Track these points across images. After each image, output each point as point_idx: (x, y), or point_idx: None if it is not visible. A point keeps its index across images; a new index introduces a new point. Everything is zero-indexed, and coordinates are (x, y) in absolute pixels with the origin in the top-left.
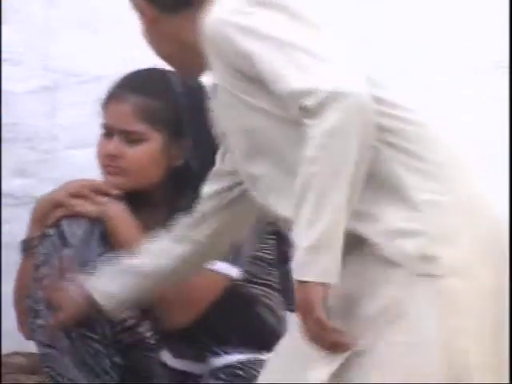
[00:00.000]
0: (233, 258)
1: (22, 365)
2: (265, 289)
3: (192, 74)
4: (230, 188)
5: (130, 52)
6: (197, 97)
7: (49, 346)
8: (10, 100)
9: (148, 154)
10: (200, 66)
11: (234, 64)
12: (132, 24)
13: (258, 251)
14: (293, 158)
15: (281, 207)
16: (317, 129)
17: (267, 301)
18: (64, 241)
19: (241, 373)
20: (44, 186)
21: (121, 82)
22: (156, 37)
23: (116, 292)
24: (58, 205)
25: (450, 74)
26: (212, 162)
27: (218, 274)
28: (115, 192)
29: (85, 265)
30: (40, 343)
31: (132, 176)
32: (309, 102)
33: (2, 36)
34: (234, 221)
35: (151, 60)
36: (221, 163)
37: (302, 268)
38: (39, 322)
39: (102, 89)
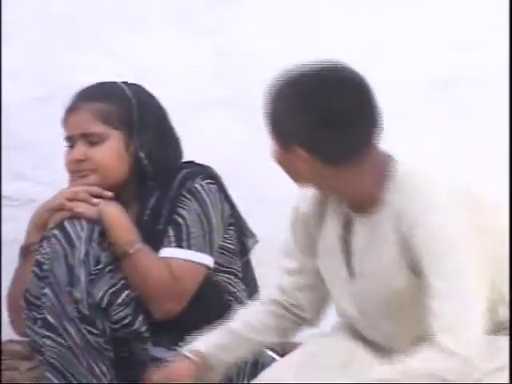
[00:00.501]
0: (207, 247)
1: (18, 351)
2: (230, 276)
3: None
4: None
5: (116, 66)
6: (144, 98)
7: (48, 336)
8: (9, 110)
9: (111, 151)
10: (347, 199)
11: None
12: (115, 41)
13: (222, 241)
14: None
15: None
16: (431, 355)
17: (232, 288)
18: (70, 240)
19: None
20: (39, 189)
21: (75, 96)
22: (302, 174)
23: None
24: (57, 209)
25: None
26: (163, 158)
27: (199, 264)
28: (109, 194)
29: (95, 263)
30: (39, 335)
31: (100, 173)
32: (446, 343)
33: (4, 53)
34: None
35: (135, 72)
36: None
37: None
38: (40, 315)
39: None
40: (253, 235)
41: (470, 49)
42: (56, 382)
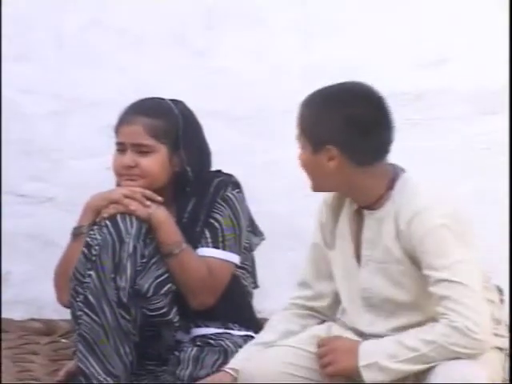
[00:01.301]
0: (237, 248)
1: (38, 328)
2: (243, 271)
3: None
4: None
5: (122, 81)
6: (188, 116)
7: (85, 313)
8: (28, 121)
9: (157, 162)
10: (345, 196)
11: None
12: (121, 59)
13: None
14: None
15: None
16: (447, 329)
17: (243, 281)
18: (120, 234)
19: (212, 342)
20: (54, 189)
21: (129, 109)
22: (329, 174)
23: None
24: (113, 201)
25: None
26: (201, 169)
27: (231, 262)
28: (159, 199)
29: (140, 258)
30: (79, 309)
31: (146, 180)
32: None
33: (23, 72)
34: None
35: (137, 87)
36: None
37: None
38: (82, 292)
39: (101, 111)
40: (261, 233)
41: (437, 65)
42: (85, 353)
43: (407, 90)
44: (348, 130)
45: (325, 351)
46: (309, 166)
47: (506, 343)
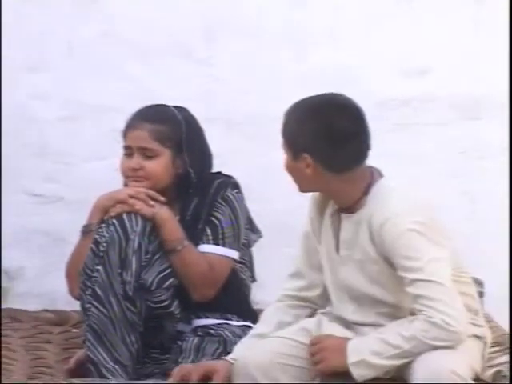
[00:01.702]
0: (237, 245)
1: (51, 318)
2: (241, 266)
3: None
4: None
5: (128, 89)
6: (191, 122)
7: (94, 305)
8: (42, 126)
9: (161, 165)
10: (338, 201)
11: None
12: (128, 68)
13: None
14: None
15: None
16: (425, 324)
17: (242, 275)
18: (126, 232)
19: (212, 332)
20: (65, 189)
21: (136, 115)
22: (307, 179)
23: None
24: (119, 201)
25: None
26: (202, 170)
27: (230, 258)
28: (162, 199)
29: (145, 254)
30: (87, 302)
31: (151, 181)
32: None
33: (37, 80)
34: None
35: (143, 94)
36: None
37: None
38: (91, 285)
39: (110, 117)
40: (258, 231)
41: (421, 73)
42: (94, 342)
43: (394, 96)
44: (322, 139)
45: (316, 349)
46: (291, 171)
47: (483, 332)
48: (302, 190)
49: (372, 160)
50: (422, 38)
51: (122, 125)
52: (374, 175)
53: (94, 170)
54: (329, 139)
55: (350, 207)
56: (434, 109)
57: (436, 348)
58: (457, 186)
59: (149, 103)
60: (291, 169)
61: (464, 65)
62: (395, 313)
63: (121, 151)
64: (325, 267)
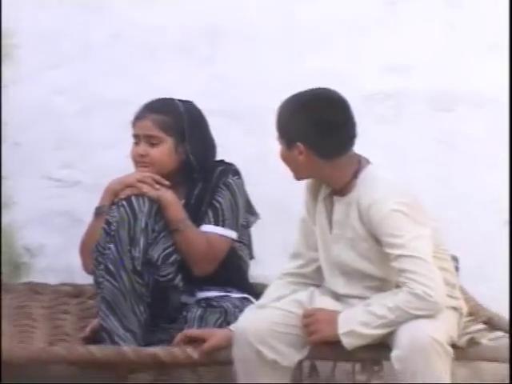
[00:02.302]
0: (235, 226)
1: (69, 291)
2: (240, 244)
3: (302, 179)
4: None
5: (138, 86)
6: (193, 113)
7: (106, 279)
8: (60, 117)
9: (164, 152)
10: (330, 185)
11: (379, 233)
12: (138, 67)
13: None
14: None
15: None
16: (408, 296)
17: (240, 253)
18: (134, 212)
19: (214, 303)
20: (82, 174)
21: (143, 107)
22: (301, 166)
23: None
24: (128, 185)
25: None
26: (205, 158)
27: (228, 237)
28: (167, 183)
29: (151, 232)
30: (100, 276)
31: (156, 166)
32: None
33: (56, 76)
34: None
35: (151, 90)
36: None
37: (350, 324)
38: (103, 262)
39: (121, 109)
40: (256, 213)
41: (401, 70)
42: (107, 312)
43: (378, 91)
44: (313, 129)
45: (309, 321)
46: (286, 160)
47: (460, 304)
48: (298, 177)
49: (358, 148)
50: (403, 40)
51: (131, 116)
52: (361, 161)
53: (107, 156)
54: (319, 129)
55: (340, 190)
56: (413, 102)
57: (418, 317)
58: (432, 172)
59: (155, 97)
60: (286, 158)
61: (440, 63)
62: (382, 286)
63: (131, 140)
64: (319, 246)
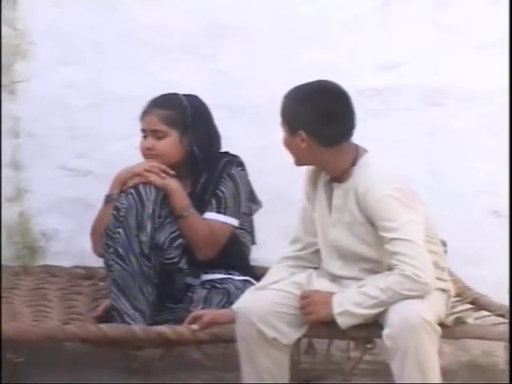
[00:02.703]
0: (237, 214)
1: (82, 273)
2: (242, 231)
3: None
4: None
5: (146, 81)
6: (197, 107)
7: (116, 262)
8: (73, 111)
9: (170, 144)
10: (321, 168)
11: (372, 217)
12: (146, 62)
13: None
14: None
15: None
16: (400, 277)
17: (242, 239)
18: (141, 200)
19: (217, 285)
20: (94, 164)
21: (149, 103)
22: (302, 153)
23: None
24: (136, 174)
25: None
26: (210, 150)
27: (230, 225)
28: (172, 172)
29: (158, 218)
30: (110, 259)
31: (162, 158)
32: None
33: (69, 72)
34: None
35: (158, 86)
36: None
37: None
38: (113, 245)
39: (130, 104)
40: (259, 202)
41: (393, 67)
42: (117, 293)
43: (371, 87)
44: (315, 119)
45: (306, 303)
46: (288, 146)
47: (448, 286)
48: (299, 163)
49: (352, 140)
50: (394, 39)
51: (139, 110)
52: (359, 150)
53: (117, 148)
54: (321, 118)
55: (339, 177)
56: (403, 97)
57: (408, 298)
58: (423, 163)
59: (162, 92)
60: (289, 144)
61: (429, 60)
62: (376, 268)
63: (139, 133)
64: (318, 230)
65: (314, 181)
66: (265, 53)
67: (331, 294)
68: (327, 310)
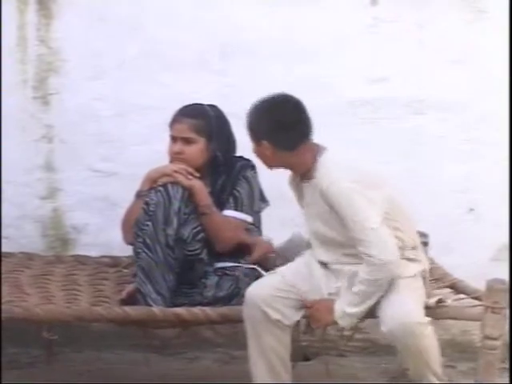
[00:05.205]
0: (251, 211)
1: (108, 262)
2: (252, 227)
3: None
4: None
5: (161, 93)
6: (220, 116)
7: (144, 251)
8: (100, 120)
9: (197, 150)
10: (296, 172)
11: (336, 209)
12: (161, 77)
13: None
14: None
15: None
16: (367, 266)
17: (252, 233)
18: (169, 197)
19: (228, 272)
20: (119, 167)
21: (179, 111)
22: (269, 159)
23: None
24: (165, 175)
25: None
26: (229, 154)
27: (245, 221)
28: (197, 174)
29: (182, 214)
30: (139, 248)
31: (189, 162)
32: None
33: (97, 86)
34: None
35: (173, 98)
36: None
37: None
38: (142, 235)
39: (151, 113)
40: (266, 200)
41: (381, 81)
42: (143, 278)
43: (360, 98)
44: (273, 128)
45: (312, 311)
46: (257, 155)
47: (422, 265)
48: (269, 167)
49: (342, 147)
50: (382, 54)
51: (159, 119)
52: (319, 149)
53: (139, 152)
54: (278, 127)
55: (306, 175)
56: (389, 107)
57: (384, 283)
58: (406, 165)
59: (178, 103)
60: (257, 153)
61: (411, 74)
62: (356, 252)
63: (159, 138)
64: (305, 222)
65: (293, 182)
66: (266, 68)
67: (333, 301)
68: (330, 317)
